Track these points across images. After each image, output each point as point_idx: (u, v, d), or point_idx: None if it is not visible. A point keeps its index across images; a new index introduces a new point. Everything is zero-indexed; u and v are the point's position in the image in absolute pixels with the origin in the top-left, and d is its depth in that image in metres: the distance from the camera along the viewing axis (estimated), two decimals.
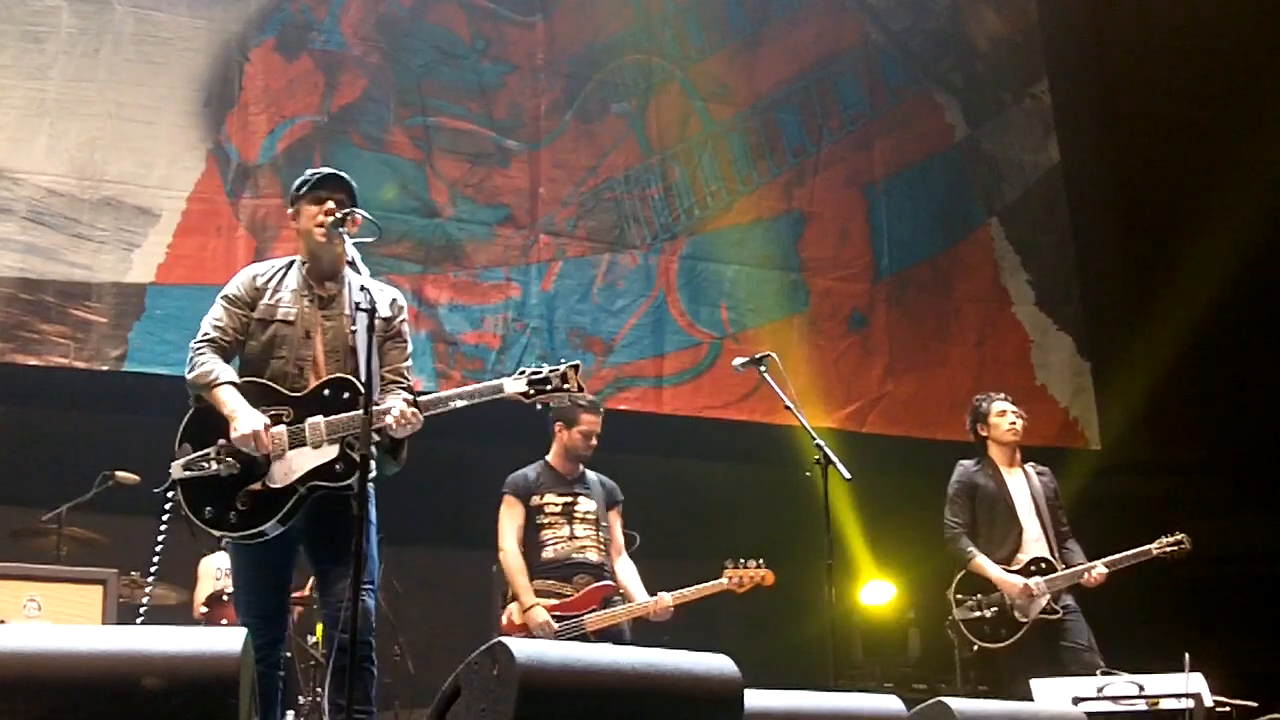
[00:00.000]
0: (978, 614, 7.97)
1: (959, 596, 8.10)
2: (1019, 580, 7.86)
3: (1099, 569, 7.88)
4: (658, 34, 11.69)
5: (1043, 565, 7.93)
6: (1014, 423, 8.22)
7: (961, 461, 8.35)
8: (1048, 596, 7.82)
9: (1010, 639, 7.88)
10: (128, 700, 3.34)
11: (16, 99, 9.62)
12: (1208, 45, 11.94)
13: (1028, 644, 7.84)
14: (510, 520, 7.53)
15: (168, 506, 5.35)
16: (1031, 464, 8.35)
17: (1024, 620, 7.85)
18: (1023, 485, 8.18)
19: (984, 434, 8.31)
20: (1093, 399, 12.27)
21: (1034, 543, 8.02)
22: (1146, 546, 8.00)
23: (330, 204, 5.46)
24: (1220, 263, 11.11)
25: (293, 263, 5.70)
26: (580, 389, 5.63)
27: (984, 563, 7.98)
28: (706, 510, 11.03)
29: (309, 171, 5.69)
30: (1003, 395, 8.39)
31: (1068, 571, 7.90)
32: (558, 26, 11.30)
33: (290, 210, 5.70)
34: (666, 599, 7.46)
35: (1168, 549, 7.98)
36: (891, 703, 5.08)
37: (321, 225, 5.46)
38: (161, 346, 9.30)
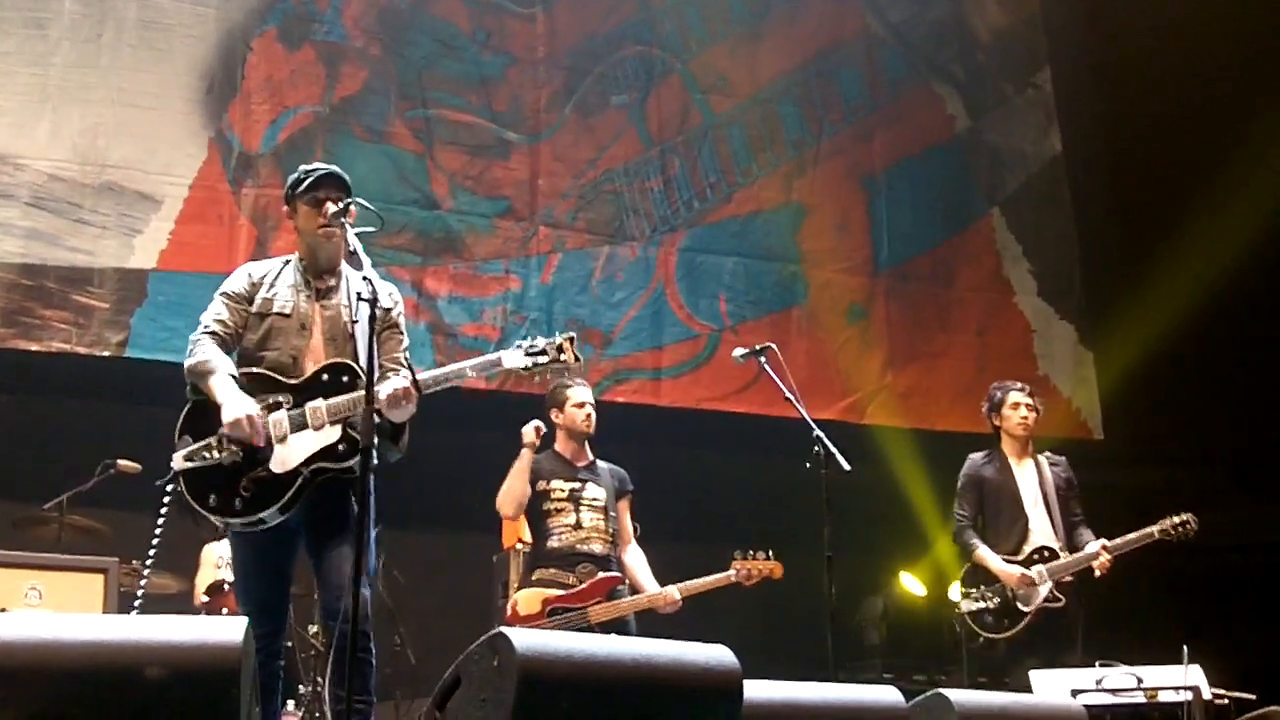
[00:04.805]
0: (981, 605, 7.99)
1: (964, 590, 8.13)
2: (1017, 570, 7.87)
3: (1102, 552, 7.82)
4: (658, 26, 11.69)
5: (1045, 554, 7.92)
6: (1025, 416, 8.19)
7: (971, 455, 8.36)
8: (1049, 585, 7.82)
9: (1013, 629, 7.88)
10: (129, 690, 3.35)
11: (19, 85, 9.63)
12: (1209, 34, 11.93)
13: (1032, 634, 7.86)
14: None
15: (166, 499, 5.37)
16: (1047, 454, 8.34)
17: (1026, 610, 7.85)
18: (1032, 476, 8.18)
19: (997, 424, 8.32)
20: (1095, 389, 12.28)
21: (1040, 533, 8.01)
22: (1149, 529, 7.93)
23: (329, 205, 5.51)
24: (1222, 251, 11.13)
25: (289, 261, 5.77)
26: (577, 359, 5.73)
27: (985, 554, 8.01)
28: (705, 501, 11.03)
29: (302, 169, 5.72)
30: (1020, 385, 8.34)
31: (1070, 559, 7.90)
32: (558, 19, 11.30)
33: (286, 207, 5.77)
34: (674, 593, 7.42)
35: (1172, 530, 7.92)
36: (891, 694, 5.09)
37: (322, 228, 5.53)
38: (163, 333, 9.31)
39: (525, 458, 7.38)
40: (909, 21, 12.68)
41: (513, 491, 7.38)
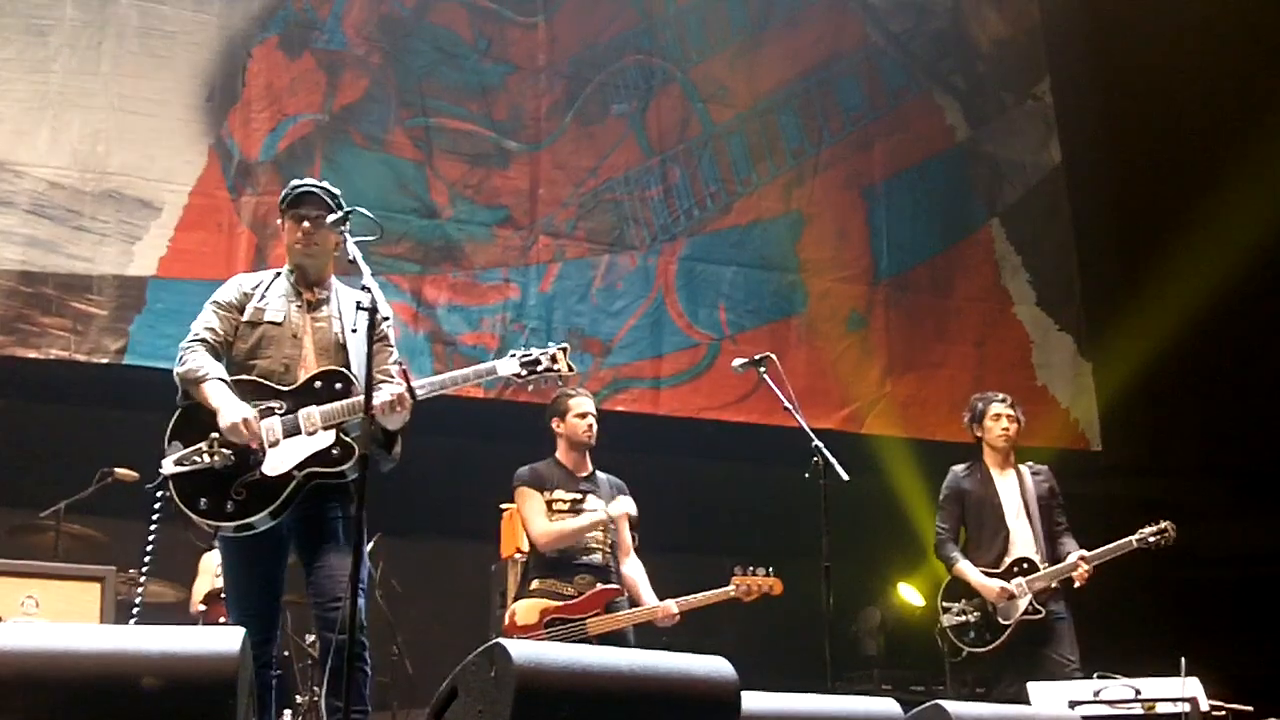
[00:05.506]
0: (962, 619, 7.98)
1: (945, 604, 8.10)
2: (996, 583, 7.87)
3: (1080, 563, 7.79)
4: (659, 35, 11.69)
5: (1025, 565, 7.91)
6: (1006, 428, 8.17)
7: (953, 467, 8.35)
8: (1029, 597, 7.81)
9: (994, 642, 7.87)
10: (126, 700, 3.35)
11: (19, 92, 9.62)
12: (1211, 46, 11.94)
13: (1013, 647, 7.84)
14: (534, 507, 7.39)
15: (157, 506, 5.39)
16: (1029, 464, 8.31)
17: (1006, 623, 7.84)
18: (1013, 487, 8.16)
19: (979, 435, 8.30)
20: (1094, 400, 12.27)
21: (1022, 544, 7.99)
22: (1128, 538, 7.92)
23: (306, 224, 5.64)
24: (1221, 263, 11.12)
25: (279, 273, 5.85)
26: (570, 369, 5.82)
27: (964, 568, 8.01)
28: (704, 511, 11.02)
29: (291, 184, 5.80)
30: (1001, 396, 8.30)
31: (1049, 570, 7.88)
32: (559, 27, 11.29)
33: (279, 221, 5.86)
34: (672, 607, 7.37)
35: (1150, 538, 7.89)
36: (889, 705, 5.08)
37: (299, 244, 5.68)
38: (162, 340, 9.26)
39: (590, 522, 7.35)
40: (909, 31, 12.68)
41: (565, 539, 7.33)
